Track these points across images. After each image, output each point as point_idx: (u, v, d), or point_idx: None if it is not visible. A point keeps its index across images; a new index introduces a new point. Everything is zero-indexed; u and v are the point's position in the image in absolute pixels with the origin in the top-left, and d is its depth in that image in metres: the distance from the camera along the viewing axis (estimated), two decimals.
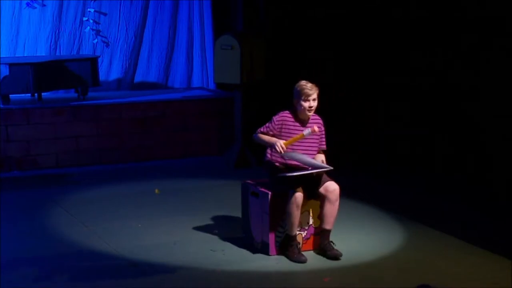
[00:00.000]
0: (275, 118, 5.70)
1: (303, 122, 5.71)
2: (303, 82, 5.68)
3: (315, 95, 5.64)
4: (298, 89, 5.65)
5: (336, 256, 5.65)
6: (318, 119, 5.80)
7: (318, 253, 5.73)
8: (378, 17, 8.71)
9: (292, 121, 5.71)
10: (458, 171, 7.81)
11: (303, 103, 5.62)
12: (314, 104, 5.65)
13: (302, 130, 5.66)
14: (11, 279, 5.15)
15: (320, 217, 5.74)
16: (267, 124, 5.72)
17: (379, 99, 8.84)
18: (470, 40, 7.71)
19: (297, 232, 5.68)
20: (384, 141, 8.80)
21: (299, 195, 5.53)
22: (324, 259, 5.66)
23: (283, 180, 5.59)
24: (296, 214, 5.57)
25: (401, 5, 8.47)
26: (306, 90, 5.61)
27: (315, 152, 5.76)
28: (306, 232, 5.78)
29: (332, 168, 5.56)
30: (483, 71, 7.61)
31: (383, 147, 8.80)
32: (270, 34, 8.86)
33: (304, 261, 5.60)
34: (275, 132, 5.67)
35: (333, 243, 5.74)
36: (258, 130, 5.74)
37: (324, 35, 8.89)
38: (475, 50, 7.69)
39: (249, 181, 5.98)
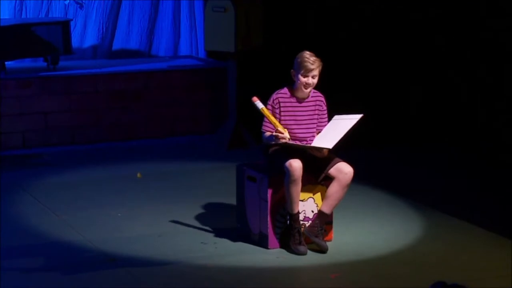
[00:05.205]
0: (269, 102, 5.73)
1: (301, 99, 5.76)
2: (306, 54, 5.68)
3: (316, 72, 5.65)
4: (299, 60, 5.67)
5: (321, 248, 5.67)
6: (319, 96, 5.83)
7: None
8: None
9: (288, 98, 5.74)
10: (483, 152, 7.93)
11: (300, 77, 5.64)
12: (313, 81, 5.66)
13: (300, 107, 5.73)
14: None
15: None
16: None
17: (396, 79, 8.96)
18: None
19: (299, 211, 5.66)
20: (403, 119, 8.91)
21: (295, 164, 5.50)
22: (331, 252, 5.66)
23: (280, 153, 5.63)
24: (294, 188, 5.54)
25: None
26: (307, 64, 5.62)
27: (312, 134, 5.78)
28: (310, 222, 5.76)
29: (330, 147, 5.55)
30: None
31: (400, 125, 8.88)
32: None
33: (303, 253, 5.62)
34: (276, 118, 5.72)
35: (325, 232, 5.74)
36: (263, 127, 5.76)
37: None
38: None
39: (245, 164, 6.00)
